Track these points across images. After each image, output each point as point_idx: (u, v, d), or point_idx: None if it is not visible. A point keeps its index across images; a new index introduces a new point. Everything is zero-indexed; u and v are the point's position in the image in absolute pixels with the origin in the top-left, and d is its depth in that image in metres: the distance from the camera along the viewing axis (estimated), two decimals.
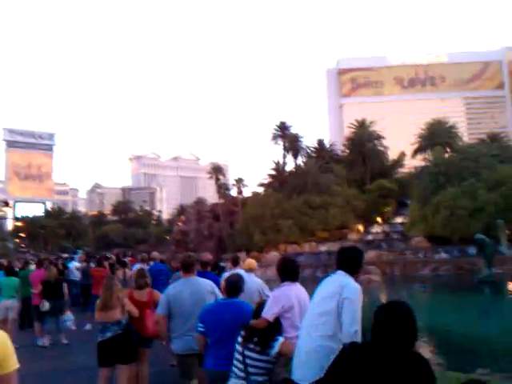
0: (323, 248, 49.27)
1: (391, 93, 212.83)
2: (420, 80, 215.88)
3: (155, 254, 12.76)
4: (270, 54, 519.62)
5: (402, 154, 72.37)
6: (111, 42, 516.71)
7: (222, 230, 68.46)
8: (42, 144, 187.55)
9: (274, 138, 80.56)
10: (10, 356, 2.50)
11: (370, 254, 40.03)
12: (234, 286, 5.28)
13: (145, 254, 15.29)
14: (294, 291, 4.93)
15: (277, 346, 4.60)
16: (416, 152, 68.94)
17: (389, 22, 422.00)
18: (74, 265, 18.54)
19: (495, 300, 23.27)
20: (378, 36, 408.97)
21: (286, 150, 78.22)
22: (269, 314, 4.72)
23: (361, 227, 56.61)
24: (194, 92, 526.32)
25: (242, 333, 4.80)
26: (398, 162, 71.98)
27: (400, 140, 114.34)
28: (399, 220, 57.51)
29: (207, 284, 6.13)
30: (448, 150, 62.28)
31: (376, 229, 55.70)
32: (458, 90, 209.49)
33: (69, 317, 12.13)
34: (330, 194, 56.42)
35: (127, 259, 20.46)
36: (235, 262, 8.83)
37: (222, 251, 60.47)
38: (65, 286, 12.76)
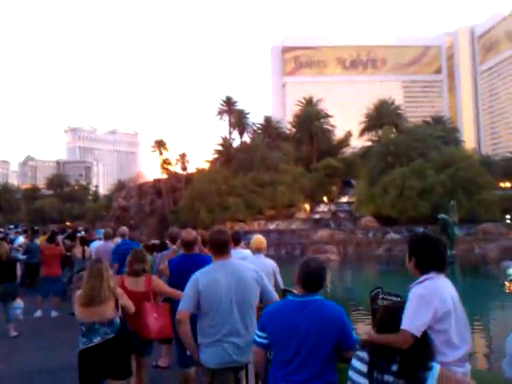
0: (271, 226, 48.50)
1: (333, 73, 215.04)
2: (362, 62, 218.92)
3: (124, 229, 10.78)
4: (215, 29, 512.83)
5: (349, 134, 72.29)
6: (46, 11, 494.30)
7: (165, 206, 66.37)
8: None
9: (220, 113, 78.87)
10: None
11: (321, 233, 39.46)
12: (317, 277, 3.47)
13: (109, 229, 13.25)
14: (446, 288, 3.26)
15: (433, 379, 2.84)
16: (364, 131, 69.08)
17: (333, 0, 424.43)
18: (20, 241, 16.55)
19: (463, 282, 22.94)
20: (323, 14, 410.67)
21: (232, 125, 76.73)
22: (416, 325, 3.03)
23: (307, 206, 56.17)
24: (134, 64, 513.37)
25: (363, 355, 3.10)
26: (345, 142, 71.91)
27: (341, 120, 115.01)
28: (344, 199, 57.55)
29: (250, 270, 4.32)
30: (394, 130, 62.60)
31: (323, 208, 55.38)
32: (397, 73, 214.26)
33: (19, 304, 10.23)
34: (278, 171, 55.57)
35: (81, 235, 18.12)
36: (236, 240, 6.79)
37: (165, 229, 58.57)
38: (18, 266, 10.68)
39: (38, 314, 12.03)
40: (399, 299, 4.96)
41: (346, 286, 23.63)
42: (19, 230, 27.42)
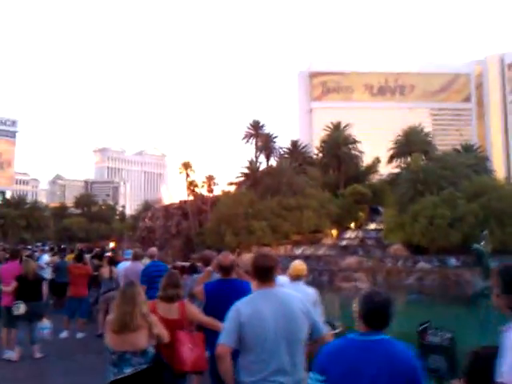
0: (298, 251, 47.87)
1: (360, 99, 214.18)
2: (389, 88, 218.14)
3: (154, 249, 10.43)
4: (244, 53, 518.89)
5: (377, 160, 71.59)
6: (75, 32, 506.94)
7: (191, 228, 66.32)
8: (4, 130, 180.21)
9: (247, 136, 79.13)
10: None
11: (350, 260, 38.73)
12: (384, 313, 2.97)
13: (138, 249, 12.99)
14: None
15: None
16: (392, 158, 68.34)
17: (362, 27, 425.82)
18: (45, 259, 16.32)
19: (500, 316, 22.08)
20: (350, 40, 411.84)
21: (259, 149, 76.80)
22: None
23: (334, 232, 55.45)
24: (164, 87, 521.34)
25: None
26: (373, 168, 71.20)
27: (369, 146, 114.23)
28: (372, 226, 56.63)
29: (299, 301, 3.82)
30: (423, 157, 61.76)
31: (350, 234, 54.58)
32: (426, 101, 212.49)
33: (46, 325, 9.89)
34: (304, 196, 55.12)
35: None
36: None
37: (190, 251, 58.48)
38: (44, 284, 10.29)
39: (64, 334, 11.70)
40: (451, 335, 4.60)
41: None
42: (45, 248, 27.29)
